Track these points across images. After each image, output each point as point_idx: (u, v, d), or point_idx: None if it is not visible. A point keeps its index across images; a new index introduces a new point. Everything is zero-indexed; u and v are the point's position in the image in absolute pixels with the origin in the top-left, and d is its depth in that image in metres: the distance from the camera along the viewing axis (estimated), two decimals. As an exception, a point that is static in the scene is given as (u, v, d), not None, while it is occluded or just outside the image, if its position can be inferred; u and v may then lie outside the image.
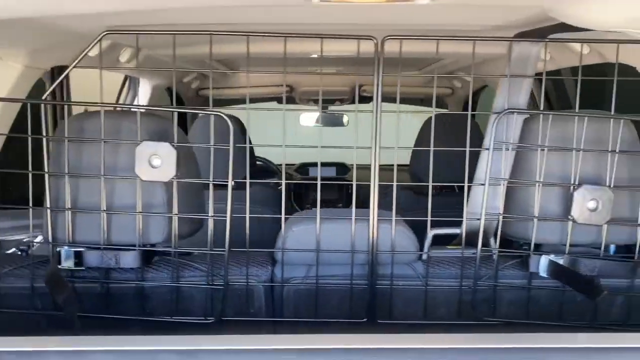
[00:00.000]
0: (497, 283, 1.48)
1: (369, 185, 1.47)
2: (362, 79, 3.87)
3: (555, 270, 1.43)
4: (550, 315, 1.52)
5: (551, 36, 1.40)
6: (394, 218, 1.47)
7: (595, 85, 1.74)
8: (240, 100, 4.38)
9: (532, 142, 1.46)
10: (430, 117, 2.46)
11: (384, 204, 2.62)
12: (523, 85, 1.46)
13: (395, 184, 1.48)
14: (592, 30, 1.13)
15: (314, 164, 4.09)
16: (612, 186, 1.43)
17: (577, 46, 1.88)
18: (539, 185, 1.44)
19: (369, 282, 1.47)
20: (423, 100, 4.08)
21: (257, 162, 3.80)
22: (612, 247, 1.58)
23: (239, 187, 2.43)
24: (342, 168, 3.95)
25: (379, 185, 1.47)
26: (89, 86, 1.75)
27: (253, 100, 4.40)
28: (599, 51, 1.86)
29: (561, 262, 1.44)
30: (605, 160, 1.44)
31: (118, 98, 3.23)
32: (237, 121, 2.44)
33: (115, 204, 1.44)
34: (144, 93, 3.15)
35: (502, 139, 1.46)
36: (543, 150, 1.44)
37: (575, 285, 1.39)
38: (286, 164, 3.71)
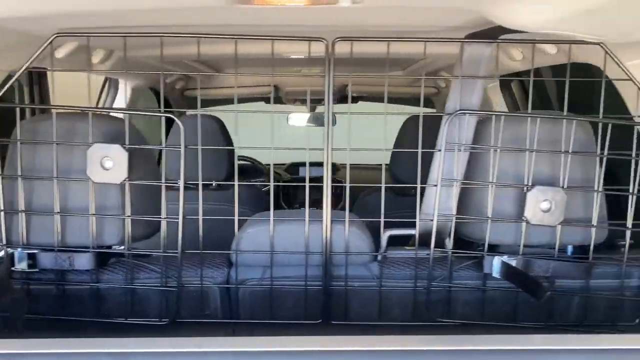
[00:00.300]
0: (451, 284, 1.48)
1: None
2: (347, 79, 3.87)
3: (506, 271, 1.42)
4: (506, 317, 1.52)
5: (503, 37, 1.40)
6: (347, 219, 1.47)
7: (584, 86, 1.73)
8: (225, 101, 4.39)
9: (487, 143, 1.46)
10: (409, 118, 2.48)
11: (364, 204, 2.63)
12: (475, 87, 1.46)
13: (348, 185, 1.48)
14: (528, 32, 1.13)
15: (304, 164, 4.08)
16: (565, 187, 1.43)
17: (546, 46, 1.88)
18: (491, 187, 1.44)
19: (323, 283, 1.47)
20: (410, 100, 4.08)
21: (244, 162, 3.81)
22: (570, 248, 1.58)
23: (222, 187, 2.45)
24: (332, 168, 3.95)
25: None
26: (78, 89, 1.75)
27: (239, 100, 4.41)
28: (566, 51, 1.86)
29: (514, 263, 1.44)
30: (560, 162, 1.44)
31: (98, 100, 3.23)
32: (217, 121, 2.45)
33: (70, 206, 1.45)
34: (123, 94, 3.15)
35: (455, 140, 1.46)
36: (496, 151, 1.44)
37: (524, 286, 1.39)
38: (275, 164, 3.72)
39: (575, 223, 1.45)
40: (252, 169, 3.86)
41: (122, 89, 3.11)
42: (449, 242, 1.52)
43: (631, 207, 1.45)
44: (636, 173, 1.44)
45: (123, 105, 3.04)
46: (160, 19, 1.48)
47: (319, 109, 4.40)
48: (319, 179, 1.49)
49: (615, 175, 1.73)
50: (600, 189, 1.45)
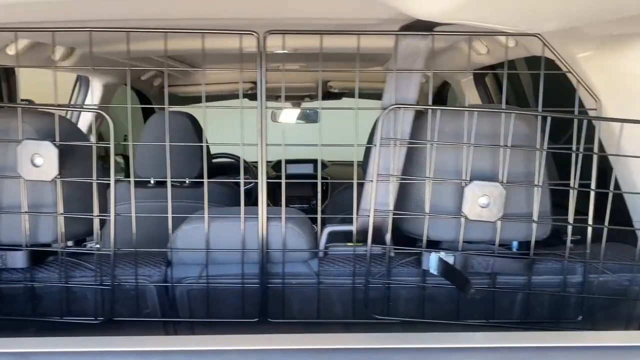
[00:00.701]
0: (389, 281, 1.46)
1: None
2: (330, 75, 3.85)
3: (441, 267, 1.40)
4: (447, 314, 1.49)
5: (437, 29, 1.37)
6: (283, 216, 1.45)
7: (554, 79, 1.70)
8: (208, 98, 4.36)
9: (425, 137, 1.43)
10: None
11: (337, 201, 2.61)
12: (412, 80, 1.44)
13: (283, 181, 1.46)
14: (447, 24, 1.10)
15: (293, 161, 4.08)
16: (504, 182, 1.40)
17: (502, 39, 1.85)
18: (429, 182, 1.42)
19: (260, 281, 1.45)
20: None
21: (229, 160, 3.79)
22: (515, 244, 1.56)
23: (196, 185, 2.43)
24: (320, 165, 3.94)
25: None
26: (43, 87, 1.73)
27: (219, 97, 4.39)
28: (524, 44, 1.83)
29: (451, 260, 1.42)
30: (503, 156, 1.41)
31: (71, 98, 3.22)
32: (189, 118, 2.43)
33: (4, 204, 1.43)
34: (95, 92, 3.14)
35: (392, 135, 1.43)
36: (432, 146, 1.41)
37: (455, 283, 1.37)
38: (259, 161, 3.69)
39: (514, 218, 1.42)
40: (236, 167, 3.84)
41: (94, 87, 3.10)
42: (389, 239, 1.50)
43: (572, 201, 1.42)
44: (577, 167, 1.41)
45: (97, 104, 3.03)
46: (94, 13, 1.45)
47: (305, 105, 4.39)
48: (309, 176, 1.48)
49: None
50: (541, 184, 1.42)
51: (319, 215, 1.47)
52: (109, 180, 1.41)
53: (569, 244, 1.44)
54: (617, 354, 1.27)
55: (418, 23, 1.35)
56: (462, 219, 1.41)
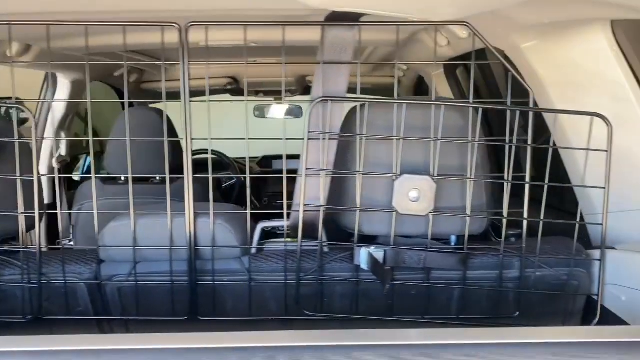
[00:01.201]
0: (320, 277, 1.43)
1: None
2: (308, 69, 3.81)
3: (370, 263, 1.37)
4: (382, 310, 1.47)
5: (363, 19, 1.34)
6: (211, 212, 1.42)
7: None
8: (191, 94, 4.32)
9: (359, 130, 1.41)
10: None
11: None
12: (341, 72, 1.40)
13: (210, 176, 1.43)
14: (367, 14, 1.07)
15: (278, 157, 4.04)
16: (434, 175, 1.37)
17: (457, 30, 1.82)
18: (360, 176, 1.39)
19: (189, 278, 1.42)
20: (374, 90, 4.01)
21: (212, 156, 3.75)
22: (453, 238, 1.53)
23: (171, 181, 2.41)
24: None
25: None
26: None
27: (200, 93, 4.35)
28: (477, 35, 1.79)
29: (381, 255, 1.39)
30: (438, 149, 1.38)
31: (40, 95, 3.20)
32: (160, 114, 2.40)
33: None
34: (63, 89, 3.11)
35: (321, 128, 1.40)
36: (362, 139, 1.38)
37: (380, 278, 1.34)
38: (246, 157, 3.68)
39: (445, 213, 1.40)
40: (217, 163, 3.82)
41: (61, 83, 3.08)
42: (325, 234, 1.48)
43: (506, 195, 1.39)
44: (510, 160, 1.38)
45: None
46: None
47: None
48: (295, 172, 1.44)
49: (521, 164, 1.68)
50: (473, 177, 1.39)
51: (248, 212, 1.45)
52: (15, 176, 1.38)
53: (503, 238, 1.41)
54: (553, 349, 1.24)
55: (345, 14, 1.32)
56: (394, 213, 1.38)
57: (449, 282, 1.44)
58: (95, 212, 1.42)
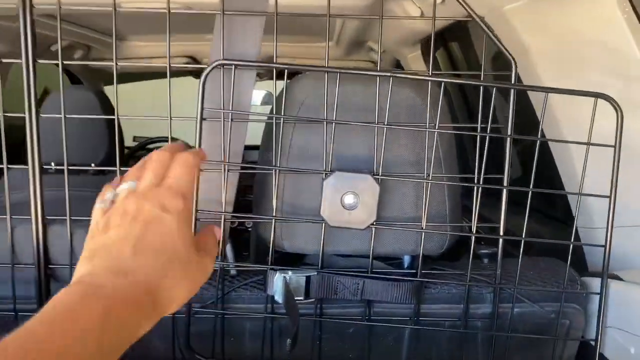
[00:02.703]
0: (219, 311, 1.05)
1: None
2: (286, 50, 3.41)
3: (284, 292, 1.00)
4: (303, 356, 1.09)
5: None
6: (68, 218, 1.04)
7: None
8: (152, 75, 3.93)
9: (281, 112, 1.03)
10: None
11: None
12: (248, 30, 1.02)
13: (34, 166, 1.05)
14: None
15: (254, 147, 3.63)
16: (378, 174, 0.99)
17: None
18: (276, 172, 1.01)
19: (37, 303, 1.04)
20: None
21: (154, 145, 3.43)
22: (407, 259, 1.16)
23: (103, 172, 2.03)
24: None
25: None
26: None
27: (157, 75, 3.95)
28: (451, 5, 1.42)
29: (301, 281, 1.01)
30: (381, 139, 1.00)
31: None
32: (98, 96, 2.01)
33: None
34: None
35: (227, 105, 1.02)
36: (280, 122, 1.01)
37: (291, 318, 0.97)
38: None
39: (391, 225, 1.02)
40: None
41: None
42: (229, 250, 1.11)
43: (476, 201, 1.02)
44: (483, 154, 1.01)
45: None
46: None
47: (261, 85, 3.95)
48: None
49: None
50: (431, 178, 1.01)
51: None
52: None
53: (471, 260, 1.03)
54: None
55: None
56: (322, 225, 1.01)
57: (398, 320, 1.07)
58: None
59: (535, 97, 1.34)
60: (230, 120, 1.00)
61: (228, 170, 1.01)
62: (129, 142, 3.32)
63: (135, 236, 0.61)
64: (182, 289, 0.63)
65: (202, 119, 0.96)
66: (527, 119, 1.43)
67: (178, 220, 0.65)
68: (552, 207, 1.70)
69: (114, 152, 2.00)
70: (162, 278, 0.60)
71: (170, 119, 1.02)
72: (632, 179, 1.14)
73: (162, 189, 0.66)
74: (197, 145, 0.97)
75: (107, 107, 2.00)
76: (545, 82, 1.24)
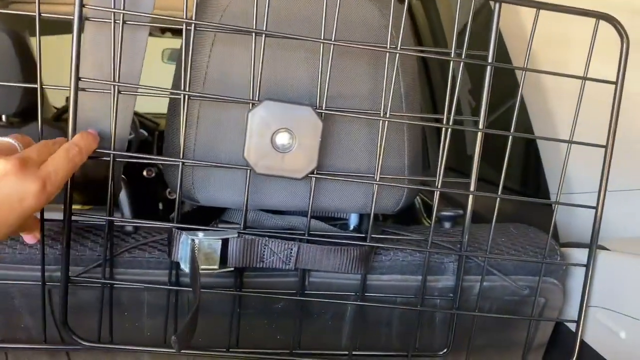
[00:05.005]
0: (110, 280, 0.80)
1: None
2: None
3: (191, 259, 0.76)
4: (221, 337, 0.87)
5: None
6: None
7: None
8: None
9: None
10: None
11: None
12: None
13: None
14: None
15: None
16: (322, 108, 0.76)
17: None
18: (186, 99, 0.76)
19: None
20: None
21: None
22: (354, 219, 0.94)
23: (20, 125, 1.70)
24: None
25: None
26: None
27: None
28: None
29: (217, 246, 0.77)
30: (327, 62, 0.76)
31: None
32: (13, 37, 1.65)
33: None
34: None
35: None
36: (192, 31, 0.75)
37: (193, 288, 0.73)
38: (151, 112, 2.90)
39: (335, 175, 0.80)
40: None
41: None
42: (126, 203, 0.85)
43: (443, 148, 0.80)
44: (454, 93, 0.79)
45: None
46: None
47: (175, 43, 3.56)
48: None
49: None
50: (388, 116, 0.78)
51: None
52: None
53: (433, 223, 0.83)
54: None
55: None
56: (248, 172, 0.77)
57: (339, 295, 0.85)
58: None
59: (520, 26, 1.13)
60: (122, 21, 0.73)
61: (119, 92, 0.75)
62: (61, 102, 2.89)
63: None
64: None
65: (88, 19, 0.69)
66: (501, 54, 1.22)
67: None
68: (526, 176, 1.51)
69: (30, 106, 1.69)
70: None
71: (41, 86, 0.74)
72: (628, 130, 0.95)
73: (32, 167, 0.61)
74: (72, 69, 0.71)
75: (23, 49, 1.66)
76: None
